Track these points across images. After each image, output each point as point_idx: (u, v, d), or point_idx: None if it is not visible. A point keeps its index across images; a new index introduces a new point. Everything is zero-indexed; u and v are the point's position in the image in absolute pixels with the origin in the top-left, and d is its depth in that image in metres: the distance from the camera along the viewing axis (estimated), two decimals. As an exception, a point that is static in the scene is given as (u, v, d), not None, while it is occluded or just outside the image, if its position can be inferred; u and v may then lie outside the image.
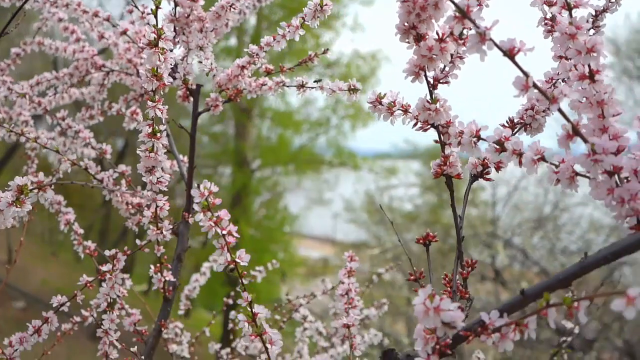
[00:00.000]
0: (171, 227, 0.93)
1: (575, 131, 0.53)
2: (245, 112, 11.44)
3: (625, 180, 0.54)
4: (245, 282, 0.72)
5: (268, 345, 0.66)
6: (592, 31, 0.72)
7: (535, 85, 0.52)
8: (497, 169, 0.69)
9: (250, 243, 10.58)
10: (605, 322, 6.11)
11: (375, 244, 9.65)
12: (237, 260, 0.65)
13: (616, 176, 0.54)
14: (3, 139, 1.36)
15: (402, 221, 9.88)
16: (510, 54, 0.52)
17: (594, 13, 0.73)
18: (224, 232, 0.64)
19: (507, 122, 0.70)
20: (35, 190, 0.70)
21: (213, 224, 0.63)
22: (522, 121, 0.70)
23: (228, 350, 1.41)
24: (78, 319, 1.15)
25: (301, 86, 0.98)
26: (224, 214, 0.64)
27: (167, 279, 0.99)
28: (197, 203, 0.63)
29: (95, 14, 1.12)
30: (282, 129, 11.97)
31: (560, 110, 0.52)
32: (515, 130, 0.70)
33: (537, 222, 6.84)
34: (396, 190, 10.75)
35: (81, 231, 1.13)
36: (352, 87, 0.86)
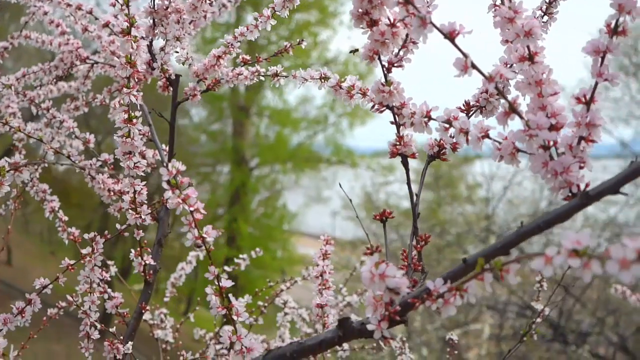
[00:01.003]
0: (149, 211, 0.96)
1: (512, 108, 0.56)
2: (243, 110, 11.48)
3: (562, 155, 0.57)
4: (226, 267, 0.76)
5: (234, 317, 0.70)
6: (545, 17, 0.76)
7: (473, 66, 0.55)
8: (454, 149, 0.72)
9: (248, 241, 10.61)
10: (599, 317, 6.16)
11: (374, 241, 9.65)
12: (204, 236, 0.68)
13: (554, 151, 0.58)
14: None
15: (401, 218, 9.92)
16: (450, 36, 0.55)
17: (547, 0, 0.76)
18: (192, 209, 0.67)
19: (463, 105, 0.74)
20: (12, 172, 0.73)
21: (181, 201, 0.67)
22: (477, 104, 0.73)
23: (211, 334, 1.45)
24: (63, 303, 1.18)
25: (275, 75, 1.01)
26: (192, 192, 0.68)
27: (147, 262, 1.03)
28: (165, 181, 0.66)
29: (79, 7, 1.15)
30: (280, 127, 12.01)
31: (497, 89, 0.56)
32: (471, 112, 0.74)
33: (532, 217, 6.88)
34: (392, 186, 10.78)
35: (66, 218, 1.16)
36: (323, 75, 0.90)
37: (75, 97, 1.30)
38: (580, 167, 0.56)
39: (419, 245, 0.68)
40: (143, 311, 1.04)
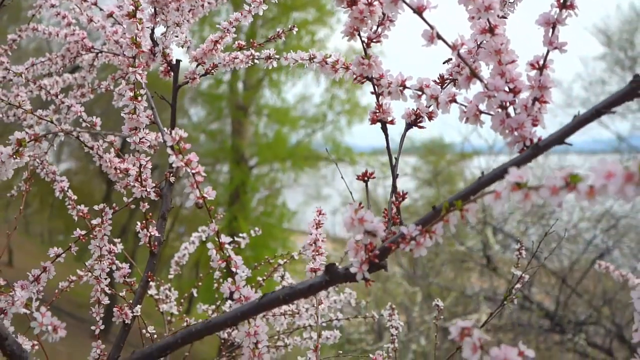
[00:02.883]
0: (154, 185, 1.04)
1: (473, 74, 0.64)
2: (241, 109, 11.57)
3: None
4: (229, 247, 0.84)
5: (233, 269, 0.78)
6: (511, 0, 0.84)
7: (439, 36, 0.63)
8: (430, 118, 0.80)
9: (249, 239, 10.70)
10: (594, 307, 6.25)
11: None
12: (205, 195, 0.76)
13: (512, 111, 0.66)
14: (1, 119, 1.47)
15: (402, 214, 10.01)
16: (419, 11, 0.63)
17: (513, -17, 0.83)
18: (194, 171, 0.75)
19: (438, 77, 0.82)
20: (32, 142, 0.81)
21: (184, 165, 0.75)
22: (450, 77, 0.81)
23: (213, 307, 1.53)
24: (74, 277, 1.26)
25: (268, 58, 1.09)
26: (193, 156, 0.76)
27: (152, 234, 1.10)
28: (169, 147, 0.74)
29: (84, -1, 1.23)
30: (278, 125, 12.09)
31: (459, 56, 0.64)
32: (445, 84, 0.81)
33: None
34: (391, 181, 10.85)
35: (75, 197, 1.24)
36: (312, 56, 0.97)
37: (82, 85, 1.37)
38: (534, 125, 0.64)
39: (397, 202, 0.76)
40: (149, 280, 1.12)
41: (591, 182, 0.43)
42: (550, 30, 0.64)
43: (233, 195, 11.09)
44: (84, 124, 1.28)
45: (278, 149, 11.69)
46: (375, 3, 0.69)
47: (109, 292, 1.08)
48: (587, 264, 6.74)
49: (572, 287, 6.36)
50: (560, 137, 0.59)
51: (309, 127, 12.23)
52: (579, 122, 0.58)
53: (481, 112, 0.67)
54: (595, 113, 0.58)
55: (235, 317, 0.71)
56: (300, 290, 0.71)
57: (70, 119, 1.27)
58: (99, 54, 1.35)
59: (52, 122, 1.11)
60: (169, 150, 0.74)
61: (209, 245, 0.78)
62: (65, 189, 1.25)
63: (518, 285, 1.21)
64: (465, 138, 8.68)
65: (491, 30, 0.66)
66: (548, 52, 0.65)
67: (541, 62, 0.65)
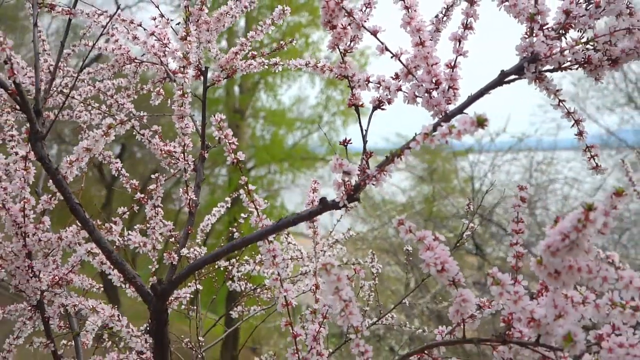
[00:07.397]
0: (193, 159, 1.41)
1: (409, 71, 1.02)
2: (238, 112, 11.94)
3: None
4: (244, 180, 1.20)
5: (257, 206, 1.15)
6: (445, 18, 1.21)
7: (386, 49, 1.00)
8: (389, 102, 1.18)
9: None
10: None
11: (371, 236, 10.13)
12: (238, 157, 1.13)
13: (436, 94, 1.03)
14: (65, 117, 1.84)
15: (397, 213, 10.42)
16: (374, 33, 1.00)
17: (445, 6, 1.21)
18: (230, 141, 1.13)
19: (394, 74, 1.19)
20: (119, 125, 1.18)
21: (223, 137, 1.12)
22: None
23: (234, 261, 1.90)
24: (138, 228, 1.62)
25: (276, 64, 1.47)
26: (230, 131, 1.13)
27: (191, 198, 1.48)
28: (213, 125, 1.11)
29: (131, 22, 1.60)
30: (275, 127, 12.45)
31: (400, 61, 1.01)
32: (399, 79, 1.19)
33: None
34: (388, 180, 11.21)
35: (127, 175, 1.61)
36: (307, 62, 1.35)
37: (127, 88, 1.75)
38: (448, 103, 1.01)
39: (366, 157, 1.13)
40: (189, 232, 1.49)
41: (458, 128, 0.81)
42: (457, 42, 1.02)
43: (232, 197, 11.42)
44: (133, 118, 1.65)
45: (275, 151, 12.05)
46: (348, 27, 1.07)
47: (161, 240, 1.44)
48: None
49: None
50: (459, 110, 0.97)
51: (305, 129, 12.61)
52: (470, 100, 0.96)
53: (416, 96, 1.04)
54: (480, 94, 0.95)
55: (261, 234, 1.09)
56: (303, 216, 1.08)
57: (122, 114, 1.64)
58: (141, 64, 1.72)
59: (112, 115, 1.48)
60: (213, 127, 1.12)
61: (241, 191, 1.15)
62: (120, 168, 1.62)
63: (468, 233, 1.58)
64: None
65: (422, 43, 1.04)
66: (457, 57, 1.02)
67: (452, 64, 1.02)
